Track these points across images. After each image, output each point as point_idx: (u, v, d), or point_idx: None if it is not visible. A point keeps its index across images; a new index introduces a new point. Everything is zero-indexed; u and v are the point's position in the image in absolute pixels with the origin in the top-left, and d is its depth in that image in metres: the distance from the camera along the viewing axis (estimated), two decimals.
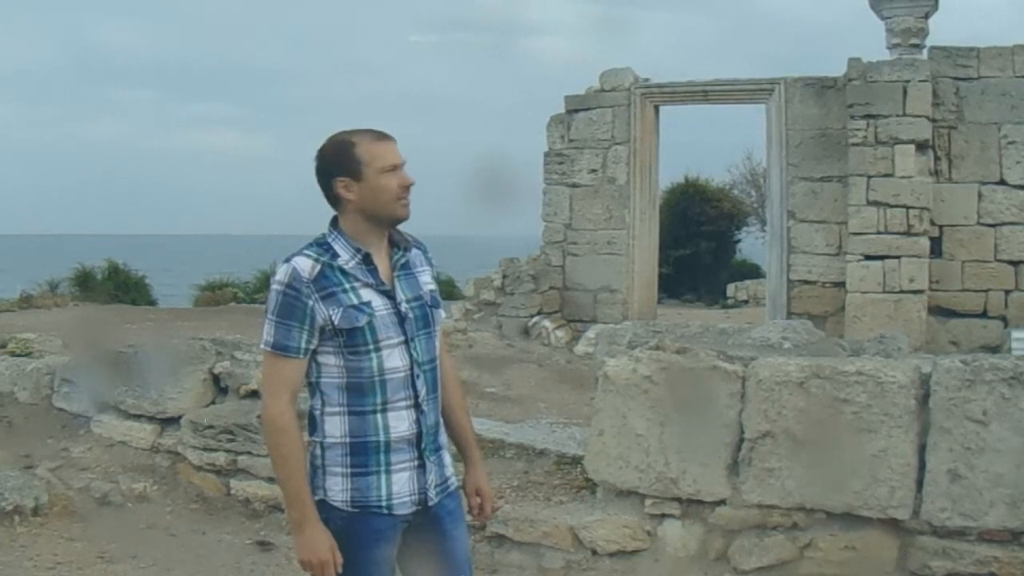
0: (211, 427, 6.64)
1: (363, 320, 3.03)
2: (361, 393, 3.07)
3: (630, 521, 5.31)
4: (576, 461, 6.04)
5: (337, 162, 3.07)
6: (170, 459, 6.90)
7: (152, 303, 20.70)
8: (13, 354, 8.42)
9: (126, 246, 30.72)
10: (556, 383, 10.37)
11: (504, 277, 13.66)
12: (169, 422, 7.00)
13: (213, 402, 7.09)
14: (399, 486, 3.10)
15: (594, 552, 5.32)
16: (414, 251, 3.27)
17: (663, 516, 5.26)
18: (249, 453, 6.48)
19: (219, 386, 7.13)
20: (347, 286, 3.04)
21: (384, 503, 3.09)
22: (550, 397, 9.49)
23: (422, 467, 3.15)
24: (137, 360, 7.28)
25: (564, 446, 6.53)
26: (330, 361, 3.06)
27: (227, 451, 6.56)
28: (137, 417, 7.09)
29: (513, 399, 9.27)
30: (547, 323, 13.36)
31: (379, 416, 3.08)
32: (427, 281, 3.26)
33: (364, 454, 3.07)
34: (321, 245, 3.08)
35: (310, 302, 2.99)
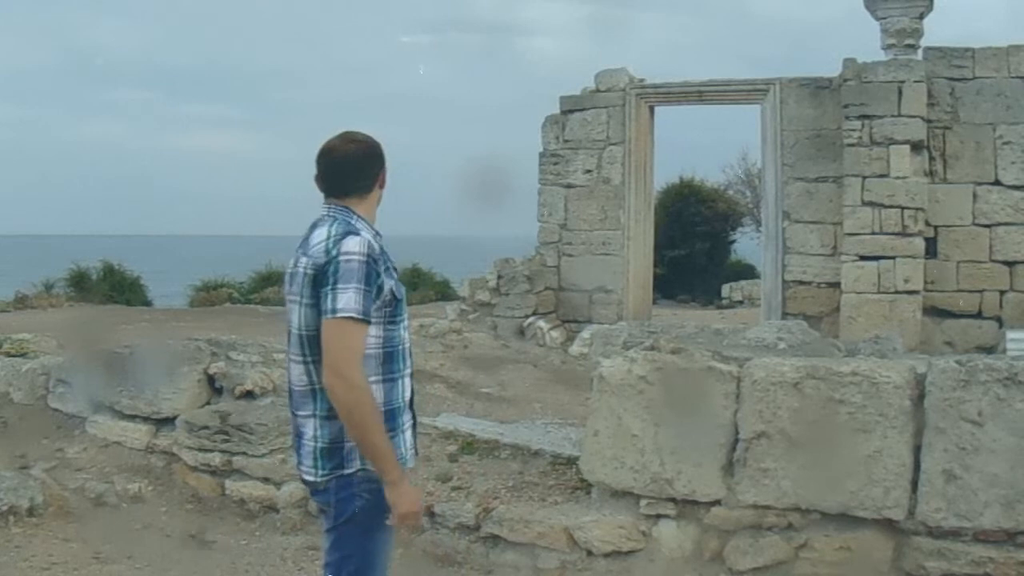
0: (206, 427, 6.64)
1: (403, 293, 3.39)
2: (392, 360, 3.35)
3: (625, 521, 5.31)
4: (571, 462, 6.04)
5: (382, 158, 3.47)
6: (165, 459, 6.90)
7: (147, 303, 20.68)
8: (8, 355, 8.42)
9: (122, 246, 30.66)
10: (551, 384, 10.37)
11: (499, 278, 13.64)
12: (164, 422, 6.99)
13: (208, 403, 7.09)
14: (408, 443, 3.46)
15: (589, 552, 5.33)
16: None
17: (658, 516, 5.27)
18: (244, 454, 6.48)
19: (214, 386, 7.13)
20: (390, 263, 3.36)
21: (405, 458, 3.40)
22: (545, 398, 9.48)
23: (414, 425, 3.54)
24: (132, 360, 7.28)
25: (559, 447, 6.53)
26: (372, 331, 3.26)
27: (222, 451, 6.56)
28: (132, 417, 7.09)
29: (508, 400, 9.27)
30: (542, 323, 13.35)
31: (400, 382, 3.40)
32: None
33: (392, 418, 3.35)
34: (352, 225, 3.33)
35: (382, 273, 3.26)
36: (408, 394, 3.45)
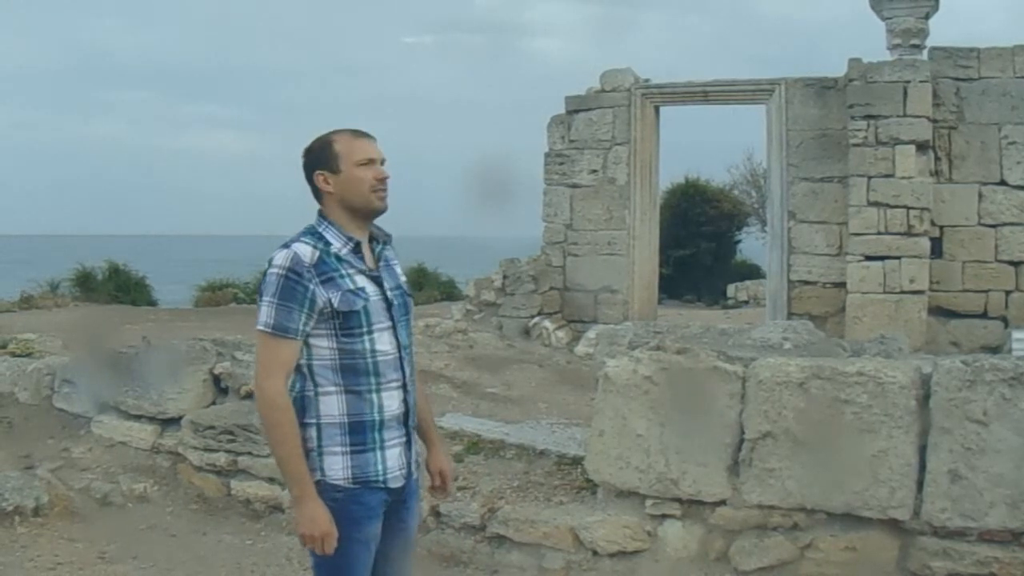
0: (212, 428, 6.65)
1: (360, 304, 3.23)
2: (355, 373, 3.25)
3: (630, 522, 5.31)
4: (576, 462, 6.04)
5: (318, 157, 3.33)
6: (171, 460, 6.91)
7: (152, 303, 20.70)
8: (14, 354, 8.44)
9: (126, 246, 30.71)
10: (556, 384, 10.37)
11: (504, 278, 13.65)
12: (169, 423, 7.00)
13: (213, 403, 7.10)
14: (392, 461, 3.32)
15: (595, 552, 5.33)
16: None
17: (663, 516, 5.27)
18: (250, 454, 6.48)
19: (219, 387, 7.14)
20: (343, 272, 3.24)
21: (381, 477, 3.29)
22: (550, 398, 9.48)
23: (408, 443, 3.39)
24: (137, 361, 7.29)
25: (564, 447, 6.53)
26: (322, 344, 3.23)
27: (228, 452, 6.57)
28: (137, 418, 7.10)
29: (513, 400, 9.26)
30: (547, 324, 13.35)
31: (374, 395, 3.27)
32: (400, 272, 3.49)
33: (362, 432, 3.26)
34: (313, 234, 3.28)
35: (311, 286, 3.17)
36: (395, 409, 3.31)
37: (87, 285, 20.20)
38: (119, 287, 20.49)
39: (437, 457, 3.62)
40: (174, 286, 24.90)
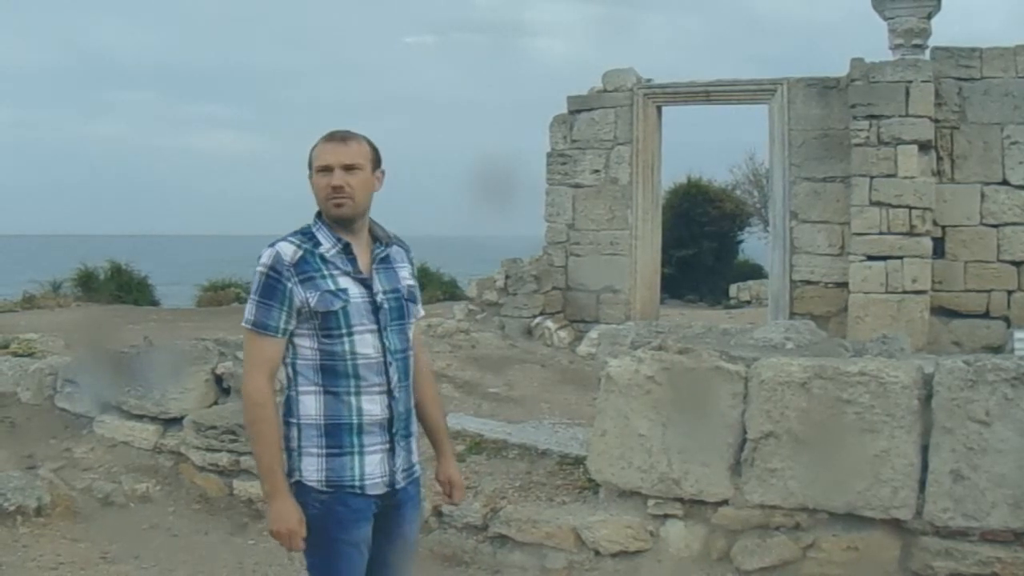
0: (214, 427, 6.65)
1: (337, 305, 3.21)
2: (335, 374, 3.23)
3: (633, 521, 5.31)
4: (579, 461, 6.04)
5: (308, 162, 3.33)
6: (173, 459, 6.91)
7: (154, 303, 20.69)
8: (16, 354, 8.44)
9: (127, 246, 30.70)
10: (559, 384, 10.36)
11: (507, 277, 13.64)
12: (172, 422, 7.01)
13: (216, 402, 7.10)
14: (371, 467, 3.27)
15: (597, 552, 5.33)
16: (395, 248, 3.43)
17: (665, 516, 5.27)
18: (251, 454, 6.47)
19: (221, 386, 7.14)
20: (325, 272, 3.23)
21: (357, 483, 3.25)
22: (553, 398, 9.48)
23: (391, 451, 3.31)
24: (140, 360, 7.29)
25: (567, 447, 6.53)
26: (305, 343, 3.24)
27: (230, 451, 6.57)
28: (140, 417, 7.10)
29: (516, 400, 9.26)
30: (550, 323, 13.34)
31: (353, 398, 3.24)
32: (406, 276, 3.43)
33: (338, 435, 3.23)
34: (305, 234, 3.29)
35: (289, 284, 3.18)
36: (376, 414, 3.25)
37: (89, 285, 20.18)
38: (121, 287, 20.47)
39: (446, 466, 3.59)
40: (176, 286, 24.90)
